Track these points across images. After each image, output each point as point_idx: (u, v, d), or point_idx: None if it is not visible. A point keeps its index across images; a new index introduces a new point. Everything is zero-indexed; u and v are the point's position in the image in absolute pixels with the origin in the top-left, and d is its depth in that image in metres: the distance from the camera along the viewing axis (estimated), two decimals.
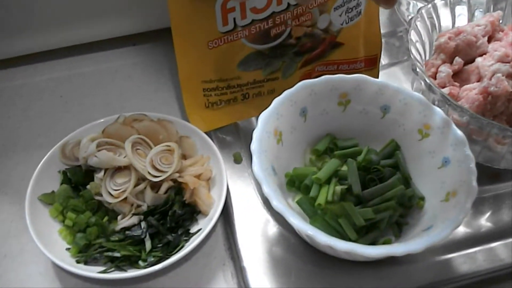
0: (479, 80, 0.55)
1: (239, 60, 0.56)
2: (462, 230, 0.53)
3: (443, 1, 0.60)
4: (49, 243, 0.49)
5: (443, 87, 0.55)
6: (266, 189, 0.44)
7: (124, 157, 0.53)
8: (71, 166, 0.55)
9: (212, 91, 0.57)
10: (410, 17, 0.65)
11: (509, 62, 0.53)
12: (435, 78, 0.56)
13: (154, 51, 0.70)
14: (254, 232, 0.51)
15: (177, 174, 0.53)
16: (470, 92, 0.54)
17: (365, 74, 0.53)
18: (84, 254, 0.50)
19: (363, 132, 0.55)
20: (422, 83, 0.53)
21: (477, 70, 0.55)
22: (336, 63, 0.60)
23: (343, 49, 0.59)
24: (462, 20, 0.62)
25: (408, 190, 0.50)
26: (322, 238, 0.41)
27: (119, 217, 0.52)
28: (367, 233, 0.48)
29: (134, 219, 0.51)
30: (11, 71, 0.68)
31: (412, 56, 0.54)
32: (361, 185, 0.50)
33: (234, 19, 0.53)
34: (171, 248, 0.49)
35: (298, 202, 0.50)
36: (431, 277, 0.49)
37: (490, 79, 0.53)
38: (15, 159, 0.60)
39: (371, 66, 0.62)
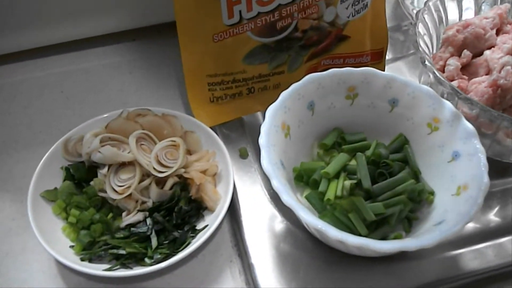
0: (487, 73, 0.54)
1: (244, 54, 0.55)
2: (470, 225, 0.52)
3: None
4: (52, 240, 0.48)
5: (452, 80, 0.54)
6: (276, 184, 0.43)
7: (128, 152, 0.52)
8: (74, 162, 0.54)
9: (217, 86, 0.56)
10: (414, 11, 0.64)
11: None
12: (443, 72, 0.56)
13: (155, 47, 0.69)
14: (262, 228, 0.50)
15: (183, 170, 0.52)
16: (479, 85, 0.53)
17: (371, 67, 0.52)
18: (89, 251, 0.49)
19: (371, 126, 0.54)
20: (431, 76, 0.52)
21: (486, 63, 0.55)
22: (342, 56, 0.59)
23: (350, 42, 0.58)
24: (469, 13, 0.61)
25: (418, 184, 0.49)
26: (334, 233, 0.41)
27: (123, 214, 0.51)
28: (377, 228, 0.48)
29: (139, 216, 0.50)
30: (10, 66, 0.67)
31: (420, 49, 0.53)
32: (370, 180, 0.49)
33: (240, 11, 0.52)
34: (178, 245, 0.49)
35: (306, 197, 0.49)
36: (441, 273, 0.49)
37: (500, 72, 0.52)
38: (16, 156, 0.59)
39: (377, 59, 0.61)
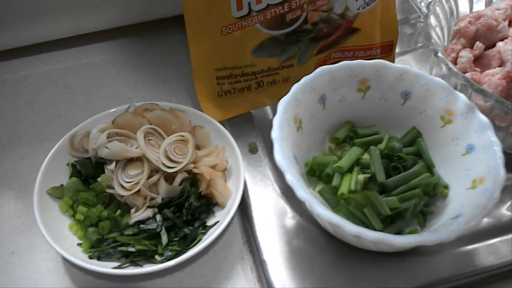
0: (500, 65, 0.54)
1: (253, 47, 0.54)
2: (483, 220, 0.51)
3: None
4: (59, 238, 0.47)
5: (464, 73, 0.54)
6: (290, 178, 0.42)
7: (136, 148, 0.50)
8: (80, 158, 0.53)
9: (225, 79, 0.55)
10: (422, 3, 0.63)
11: None
12: (455, 64, 0.55)
13: (161, 41, 0.68)
14: (273, 224, 0.49)
15: (192, 165, 0.51)
16: (493, 77, 0.52)
17: None
18: (97, 249, 0.48)
19: (383, 120, 0.53)
20: (444, 68, 0.52)
21: (499, 55, 0.54)
22: (352, 49, 0.58)
23: (359, 35, 0.57)
24: (480, 6, 0.60)
25: (433, 178, 0.49)
26: (351, 228, 0.40)
27: (132, 211, 0.50)
28: (392, 223, 0.47)
29: (149, 212, 0.49)
30: (13, 62, 0.66)
31: (432, 41, 0.52)
32: (384, 174, 0.48)
33: (249, 3, 0.51)
34: (188, 241, 0.48)
35: (319, 192, 0.48)
36: (455, 269, 0.48)
37: None
38: (20, 153, 0.57)
39: (387, 52, 0.60)
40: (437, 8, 0.56)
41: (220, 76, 0.55)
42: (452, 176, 0.49)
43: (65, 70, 0.65)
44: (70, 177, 0.52)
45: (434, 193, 0.49)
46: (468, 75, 0.53)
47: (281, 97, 0.47)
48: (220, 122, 0.55)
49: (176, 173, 0.50)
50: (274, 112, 0.47)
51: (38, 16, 0.62)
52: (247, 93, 0.57)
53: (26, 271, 0.49)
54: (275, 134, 0.44)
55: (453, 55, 0.55)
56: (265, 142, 0.55)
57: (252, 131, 0.56)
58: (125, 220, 0.49)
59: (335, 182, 0.48)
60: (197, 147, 0.53)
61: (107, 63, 0.66)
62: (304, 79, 0.49)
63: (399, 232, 0.47)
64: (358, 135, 0.52)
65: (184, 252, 0.46)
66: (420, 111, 0.51)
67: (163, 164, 0.50)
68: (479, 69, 0.54)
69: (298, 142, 0.48)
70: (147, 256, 0.47)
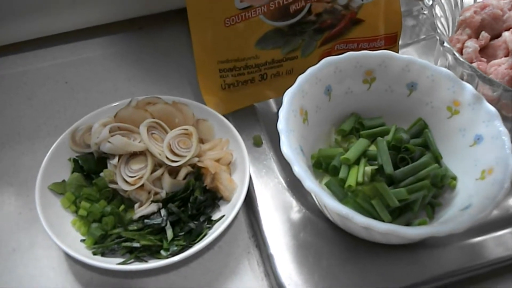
0: (507, 55, 0.53)
1: (257, 38, 0.53)
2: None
3: None
4: (61, 234, 0.46)
5: (471, 63, 0.53)
6: (298, 170, 0.41)
7: (139, 142, 0.50)
8: (82, 153, 0.52)
9: (228, 72, 0.55)
10: None
11: None
12: (461, 54, 0.54)
13: (162, 35, 0.68)
14: (279, 218, 0.49)
15: (196, 159, 0.50)
16: (499, 67, 0.52)
17: None
18: (101, 245, 0.47)
19: (389, 111, 0.52)
20: (450, 58, 0.51)
21: (505, 45, 0.53)
22: (356, 41, 0.57)
23: (363, 26, 0.56)
24: None
25: (441, 169, 0.48)
26: (360, 219, 0.39)
27: (136, 206, 0.49)
28: (400, 215, 0.46)
29: (153, 207, 0.48)
30: (12, 57, 0.65)
31: (438, 30, 0.52)
32: (392, 165, 0.47)
33: None
34: (194, 236, 0.47)
35: (326, 184, 0.47)
36: (464, 261, 0.47)
37: None
38: (20, 149, 0.57)
39: (391, 44, 0.59)
40: None
41: (223, 68, 0.54)
42: (460, 167, 0.48)
43: (65, 65, 0.64)
44: (72, 172, 0.51)
45: (442, 184, 0.48)
46: (474, 65, 0.52)
47: (285, 90, 0.46)
48: (223, 116, 0.54)
49: (180, 167, 0.49)
50: (278, 105, 0.46)
51: (37, 10, 0.61)
52: (251, 86, 0.56)
53: (28, 268, 0.48)
54: (281, 125, 0.44)
55: (459, 45, 0.55)
56: (269, 135, 0.55)
57: (256, 125, 0.56)
58: (129, 215, 0.49)
59: (342, 174, 0.47)
60: (201, 141, 0.53)
61: (107, 58, 0.65)
62: (310, 70, 0.48)
63: (407, 224, 0.46)
64: (364, 127, 0.51)
65: (190, 246, 0.45)
66: (426, 102, 0.51)
67: (167, 158, 0.49)
68: (485, 59, 0.54)
69: (304, 134, 0.47)
70: (152, 252, 0.46)
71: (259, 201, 0.50)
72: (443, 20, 0.55)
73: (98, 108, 0.54)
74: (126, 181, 0.49)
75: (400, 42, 0.66)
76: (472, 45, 0.53)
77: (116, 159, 0.49)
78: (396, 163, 0.48)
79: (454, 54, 0.50)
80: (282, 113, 0.44)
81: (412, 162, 0.48)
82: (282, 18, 0.53)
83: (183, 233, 0.47)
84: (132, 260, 0.46)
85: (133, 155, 0.50)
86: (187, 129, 0.51)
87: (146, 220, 0.48)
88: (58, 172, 0.51)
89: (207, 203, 0.49)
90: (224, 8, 0.51)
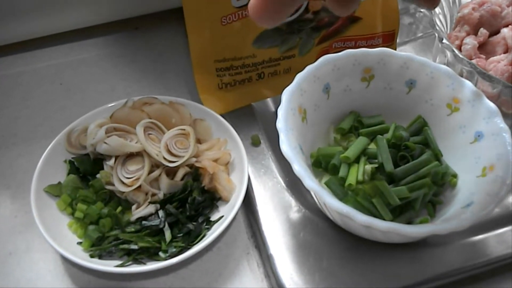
0: (506, 51, 0.53)
1: (254, 37, 0.53)
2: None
3: None
4: (58, 237, 0.46)
5: (470, 60, 0.53)
6: (298, 168, 0.40)
7: (136, 142, 0.49)
8: (78, 155, 0.52)
9: (225, 71, 0.54)
10: None
11: None
12: (460, 51, 0.54)
13: (158, 34, 0.67)
14: (279, 218, 0.48)
15: (194, 159, 0.49)
16: (498, 63, 0.51)
17: None
18: (98, 247, 0.46)
19: (388, 109, 0.52)
20: (449, 55, 0.51)
21: (504, 41, 0.53)
22: (354, 39, 0.57)
23: (361, 24, 0.56)
24: None
25: (441, 167, 0.47)
26: (362, 218, 0.38)
27: (133, 207, 0.48)
28: (401, 213, 0.46)
29: (151, 208, 0.47)
30: (7, 59, 0.64)
31: (437, 27, 0.51)
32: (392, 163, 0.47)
33: None
34: (193, 237, 0.46)
35: (326, 183, 0.47)
36: (466, 259, 0.47)
37: None
38: (16, 150, 0.56)
39: (389, 42, 0.59)
40: None
41: (220, 67, 0.54)
42: (461, 165, 0.48)
43: (60, 66, 0.64)
44: (68, 174, 0.50)
45: (443, 182, 0.48)
46: (473, 61, 0.52)
47: (283, 89, 0.46)
48: (220, 115, 0.53)
49: (177, 167, 0.49)
50: (276, 104, 0.46)
51: (31, 11, 0.61)
52: (248, 85, 0.56)
53: (25, 272, 0.47)
54: (280, 124, 0.43)
55: (457, 42, 0.54)
56: (267, 135, 0.54)
57: (253, 124, 0.55)
58: (126, 217, 0.48)
59: (342, 173, 0.47)
60: (198, 141, 0.52)
61: (103, 58, 0.64)
62: (308, 68, 0.47)
63: (409, 223, 0.46)
64: (364, 125, 0.51)
65: (189, 248, 0.45)
66: (426, 100, 0.50)
67: (164, 158, 0.48)
68: (484, 56, 0.53)
69: (303, 133, 0.46)
70: (151, 253, 0.46)
71: (258, 201, 0.49)
72: (441, 17, 0.55)
73: (94, 109, 0.54)
74: (123, 183, 0.48)
75: (397, 40, 0.66)
76: (471, 42, 0.53)
77: (113, 160, 0.49)
78: (396, 161, 0.47)
79: (453, 51, 0.49)
80: (281, 111, 0.44)
81: (412, 160, 0.48)
82: None
83: (181, 234, 0.46)
84: (130, 263, 0.45)
85: (129, 156, 0.49)
86: (184, 129, 0.50)
87: (143, 222, 0.47)
88: (54, 174, 0.50)
89: (205, 204, 0.48)
90: (221, 7, 0.50)
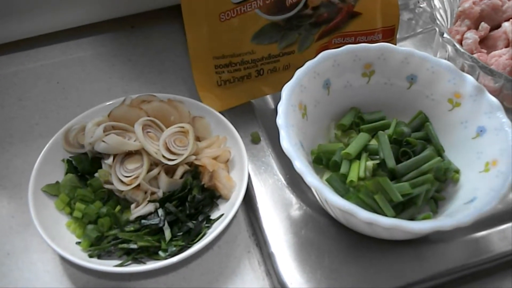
0: (507, 45, 0.52)
1: (253, 33, 0.52)
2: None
3: None
4: (56, 237, 0.45)
5: (471, 54, 0.52)
6: (299, 165, 0.40)
7: (135, 140, 0.48)
8: (76, 153, 0.51)
9: (224, 68, 0.53)
10: None
11: None
12: (461, 45, 0.53)
13: (155, 32, 0.66)
14: (280, 216, 0.48)
15: (193, 157, 0.49)
16: (500, 58, 0.51)
17: None
18: (97, 247, 0.45)
19: (389, 105, 0.51)
20: (450, 49, 0.50)
21: (505, 36, 0.52)
22: (353, 35, 0.56)
23: (361, 19, 0.55)
24: None
25: (444, 162, 0.47)
26: (364, 215, 0.38)
27: (132, 206, 0.48)
28: (404, 210, 0.45)
29: (150, 207, 0.47)
30: (2, 58, 0.64)
31: (437, 22, 0.51)
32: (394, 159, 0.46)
33: None
34: (193, 236, 0.46)
35: (328, 180, 0.46)
36: (469, 256, 0.47)
37: None
38: (13, 150, 0.55)
39: (389, 37, 0.58)
40: None
41: (219, 64, 0.53)
42: (463, 160, 0.47)
43: (56, 65, 0.63)
44: (66, 173, 0.50)
45: (445, 178, 0.47)
46: (475, 56, 0.52)
47: (282, 86, 0.45)
48: (220, 113, 0.53)
49: (177, 165, 0.48)
50: (276, 101, 0.45)
51: (26, 10, 0.60)
52: (247, 82, 0.55)
53: (23, 272, 0.47)
54: (280, 120, 0.42)
55: (458, 37, 0.54)
56: (267, 132, 0.54)
57: (253, 121, 0.55)
58: (125, 216, 0.47)
59: (343, 169, 0.46)
60: (197, 139, 0.52)
61: (99, 57, 0.64)
62: (308, 64, 0.47)
63: (411, 219, 0.45)
64: (364, 121, 0.50)
65: (189, 247, 0.44)
66: (427, 95, 0.50)
67: (163, 156, 0.48)
68: (485, 51, 0.53)
69: (304, 129, 0.46)
70: (150, 253, 0.45)
71: (259, 199, 0.49)
72: (441, 12, 0.54)
73: (91, 107, 0.53)
74: (122, 181, 0.47)
75: (397, 36, 0.66)
76: (472, 36, 0.53)
77: (111, 158, 0.48)
78: (398, 157, 0.47)
79: (455, 45, 0.49)
80: (281, 107, 0.43)
81: (414, 156, 0.47)
82: (278, 12, 0.51)
83: (181, 233, 0.46)
84: (129, 262, 0.45)
85: (128, 155, 0.49)
86: (183, 127, 0.50)
87: (143, 221, 0.46)
88: (52, 174, 0.49)
89: (205, 202, 0.48)
90: (219, 3, 0.50)
